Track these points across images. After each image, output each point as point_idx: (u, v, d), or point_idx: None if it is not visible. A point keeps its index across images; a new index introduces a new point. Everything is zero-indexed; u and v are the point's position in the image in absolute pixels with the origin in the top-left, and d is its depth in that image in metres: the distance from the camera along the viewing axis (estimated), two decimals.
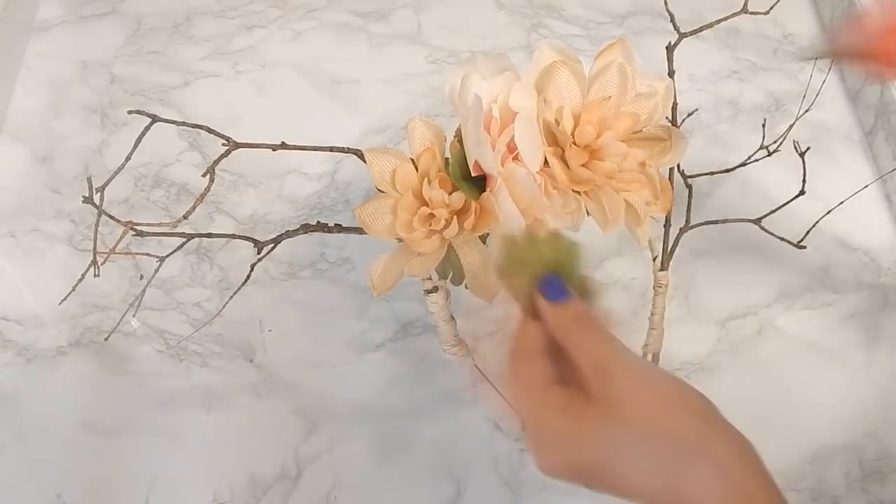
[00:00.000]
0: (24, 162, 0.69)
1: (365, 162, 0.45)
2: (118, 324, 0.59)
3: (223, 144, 0.45)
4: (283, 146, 0.45)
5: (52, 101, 0.73)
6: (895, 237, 0.68)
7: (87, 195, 0.42)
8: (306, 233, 0.46)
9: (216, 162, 0.44)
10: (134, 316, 0.61)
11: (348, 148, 0.46)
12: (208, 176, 0.44)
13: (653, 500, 0.32)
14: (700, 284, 0.65)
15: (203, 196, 0.44)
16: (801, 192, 0.54)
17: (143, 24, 0.77)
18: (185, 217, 0.44)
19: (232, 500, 0.56)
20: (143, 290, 0.49)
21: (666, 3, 0.52)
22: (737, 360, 0.62)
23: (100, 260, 0.44)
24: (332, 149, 0.46)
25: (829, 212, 0.56)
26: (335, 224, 0.47)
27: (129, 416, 0.58)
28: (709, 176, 0.57)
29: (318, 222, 0.46)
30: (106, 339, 0.60)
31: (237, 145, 0.45)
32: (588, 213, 0.44)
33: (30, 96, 0.73)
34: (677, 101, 0.49)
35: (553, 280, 0.35)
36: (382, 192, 0.44)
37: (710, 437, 0.31)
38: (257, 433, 0.58)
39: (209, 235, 0.47)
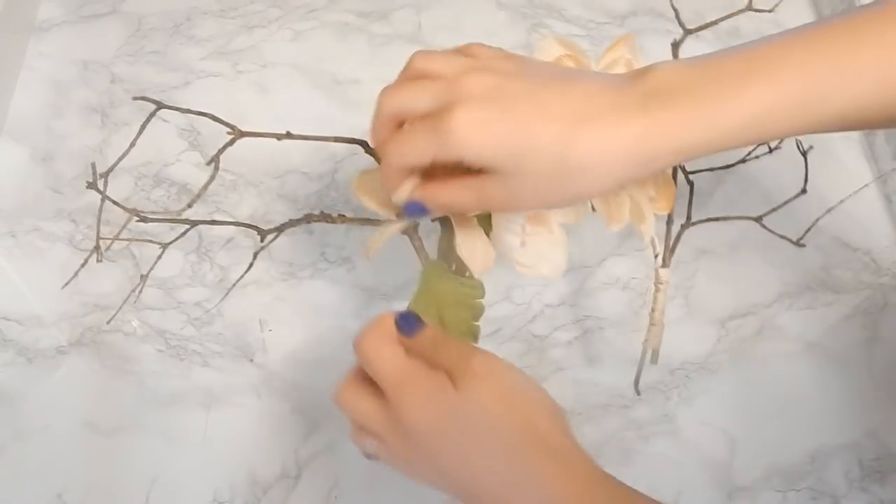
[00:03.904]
0: (24, 162, 0.69)
1: (367, 152, 0.45)
2: (117, 312, 0.59)
3: (228, 133, 0.45)
4: (289, 135, 0.46)
5: (52, 101, 0.73)
6: (895, 237, 0.68)
7: (90, 181, 0.42)
8: (309, 222, 0.46)
9: (221, 150, 0.45)
10: (135, 303, 0.61)
11: (353, 138, 0.47)
12: (211, 168, 0.44)
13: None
14: (700, 284, 0.65)
15: (208, 184, 0.44)
16: (803, 191, 0.54)
17: (144, 24, 0.77)
18: (189, 206, 0.44)
19: (232, 500, 0.56)
20: (145, 278, 0.49)
21: (672, 1, 0.53)
22: (737, 360, 0.62)
23: (103, 246, 0.44)
24: (336, 139, 0.47)
25: (829, 210, 0.56)
26: (339, 214, 0.47)
27: (129, 416, 0.58)
28: (710, 175, 0.57)
29: (322, 212, 0.47)
30: (108, 323, 0.60)
31: (242, 134, 0.46)
32: (593, 210, 0.44)
33: (30, 96, 0.73)
34: None
35: (404, 317, 0.38)
36: None
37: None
38: (257, 433, 0.58)
39: (213, 223, 0.48)
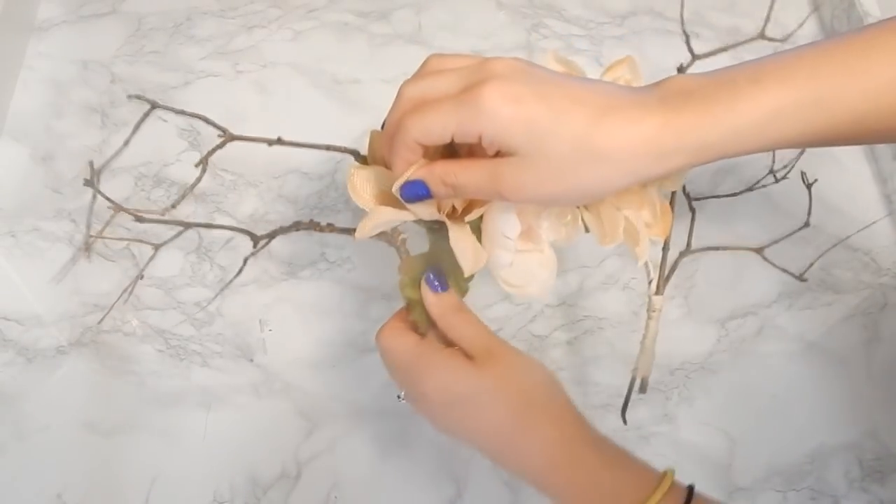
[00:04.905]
0: (24, 162, 0.69)
1: (358, 160, 0.45)
2: (109, 310, 0.59)
3: (219, 136, 0.45)
4: (279, 141, 0.45)
5: (52, 101, 0.73)
6: (895, 237, 0.68)
7: (87, 178, 0.42)
8: (298, 230, 0.46)
9: (210, 153, 0.45)
10: (128, 300, 0.61)
11: (345, 147, 0.47)
12: (201, 168, 0.44)
13: (492, 449, 0.42)
14: (700, 284, 0.65)
15: (194, 185, 0.44)
16: (806, 224, 0.54)
17: (144, 24, 0.77)
18: (173, 206, 0.44)
19: (232, 500, 0.56)
20: (137, 277, 0.49)
21: (682, 23, 0.52)
22: (737, 360, 0.62)
23: (96, 243, 0.44)
24: (328, 147, 0.47)
25: (833, 246, 0.56)
26: (327, 223, 0.47)
27: (129, 416, 0.58)
28: (709, 180, 0.57)
29: (311, 220, 0.47)
30: (99, 323, 0.60)
31: (233, 137, 0.45)
32: (587, 230, 0.44)
33: (30, 96, 0.73)
34: None
35: (436, 272, 0.43)
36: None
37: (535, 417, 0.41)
38: (257, 433, 0.58)
39: (207, 226, 0.48)
